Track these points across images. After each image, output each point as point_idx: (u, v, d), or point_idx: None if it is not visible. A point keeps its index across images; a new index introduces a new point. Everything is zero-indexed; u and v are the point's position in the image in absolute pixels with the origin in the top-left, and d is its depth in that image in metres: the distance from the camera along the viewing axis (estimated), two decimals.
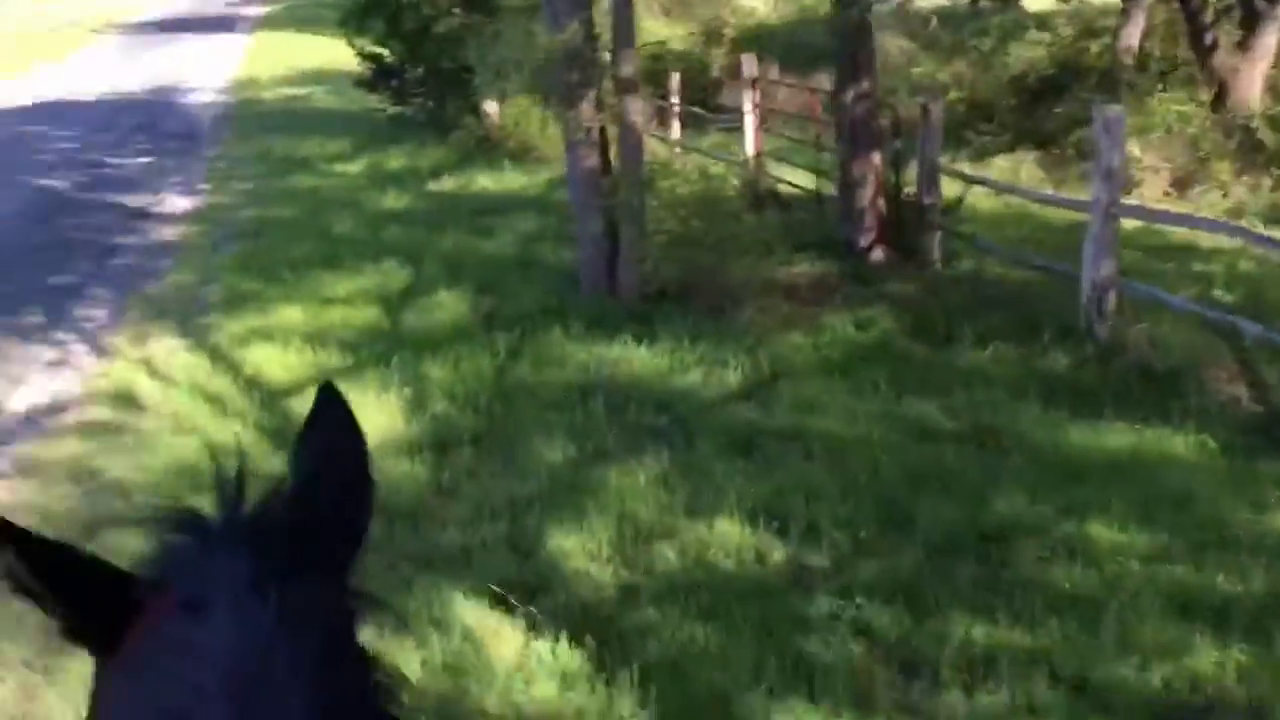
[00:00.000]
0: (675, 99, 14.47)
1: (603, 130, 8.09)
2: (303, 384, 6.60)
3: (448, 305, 8.06)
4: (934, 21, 17.34)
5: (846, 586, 4.32)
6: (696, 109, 14.88)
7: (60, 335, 8.10)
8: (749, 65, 12.70)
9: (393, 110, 17.44)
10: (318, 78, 25.06)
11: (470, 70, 15.68)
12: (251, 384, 6.64)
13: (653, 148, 10.46)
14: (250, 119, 19.16)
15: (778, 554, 4.65)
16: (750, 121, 12.57)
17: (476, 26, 14.75)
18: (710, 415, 6.18)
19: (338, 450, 0.82)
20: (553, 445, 5.78)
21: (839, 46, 9.25)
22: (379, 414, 6.06)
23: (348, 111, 19.83)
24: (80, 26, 43.60)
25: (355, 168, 14.38)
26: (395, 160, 14.67)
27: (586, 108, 7.92)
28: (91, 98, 22.85)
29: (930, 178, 8.88)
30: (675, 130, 14.57)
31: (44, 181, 14.23)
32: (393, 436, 5.87)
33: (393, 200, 12.23)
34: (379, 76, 17.41)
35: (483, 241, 10.15)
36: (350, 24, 15.74)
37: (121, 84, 24.73)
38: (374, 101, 19.27)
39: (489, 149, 15.33)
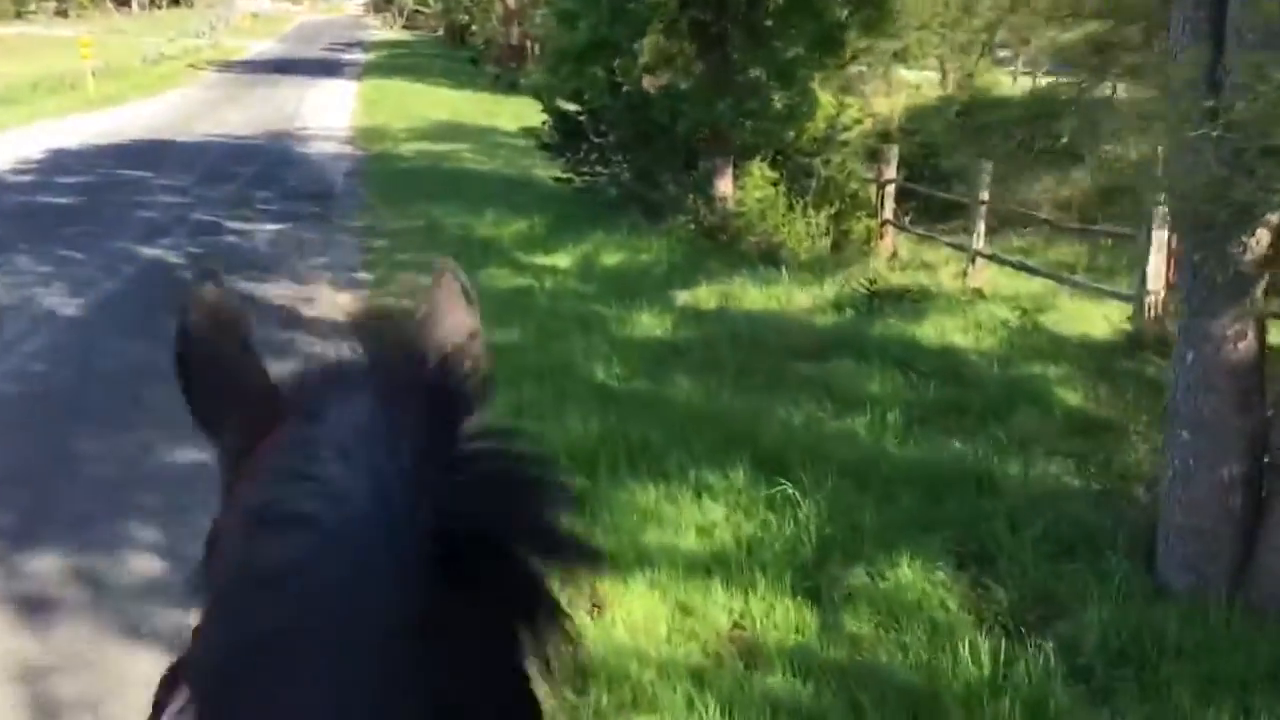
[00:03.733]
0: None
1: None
2: None
3: (932, 598, 4.13)
4: None
5: None
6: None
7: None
8: None
9: (582, 181, 13.78)
10: (455, 133, 21.69)
11: (698, 137, 12.10)
12: None
13: None
14: (394, 179, 15.61)
15: None
16: (1155, 244, 8.68)
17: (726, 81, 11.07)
18: None
19: (451, 315, 0.82)
20: None
21: None
22: None
23: (509, 177, 16.30)
24: (178, 61, 41.14)
25: (561, 261, 10.63)
26: (609, 253, 10.92)
27: (1262, 239, 4.02)
28: (197, 139, 19.57)
29: None
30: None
31: (147, 250, 10.65)
32: None
33: (650, 323, 8.42)
34: (568, 138, 13.78)
35: (847, 422, 6.25)
36: (560, 70, 12.09)
37: (230, 127, 21.49)
38: (542, 167, 15.80)
39: (724, 244, 11.60)
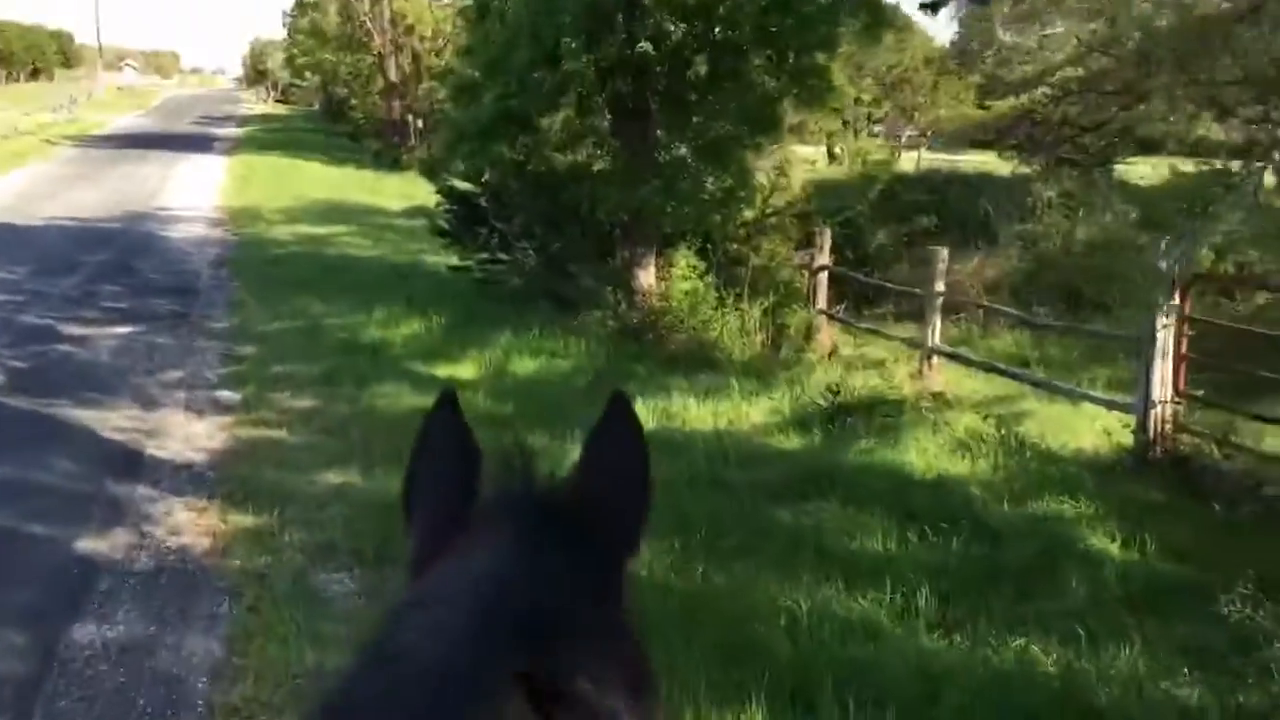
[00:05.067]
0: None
1: None
2: None
3: None
4: None
5: None
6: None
7: None
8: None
9: (482, 271, 12.27)
10: (335, 213, 20.01)
11: (617, 223, 10.73)
12: None
13: None
14: (267, 268, 13.85)
15: None
16: (1163, 341, 7.49)
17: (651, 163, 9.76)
18: None
19: (624, 455, 0.85)
20: None
21: None
22: None
23: (397, 265, 14.70)
24: (32, 137, 38.46)
25: (466, 370, 9.05)
26: (521, 360, 9.38)
27: None
28: (41, 223, 17.46)
29: None
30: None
31: None
32: None
33: None
34: (466, 223, 12.29)
35: (863, 603, 4.81)
36: (460, 147, 10.59)
37: (82, 208, 19.39)
38: (433, 252, 14.30)
39: (650, 344, 10.20)
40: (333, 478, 6.24)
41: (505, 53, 9.12)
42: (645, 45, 8.76)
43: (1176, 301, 7.43)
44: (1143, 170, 23.12)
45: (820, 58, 9.64)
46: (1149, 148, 22.75)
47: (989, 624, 4.70)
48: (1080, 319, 13.04)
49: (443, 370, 8.91)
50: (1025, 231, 17.25)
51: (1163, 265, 7.49)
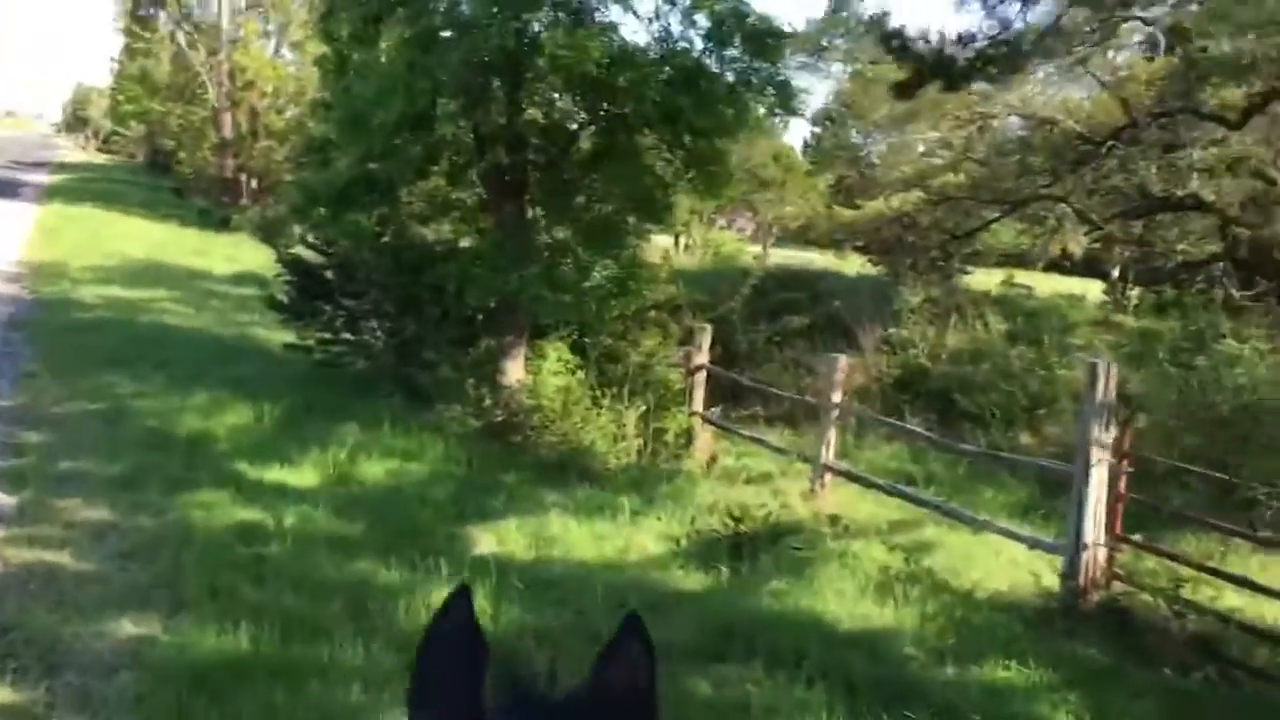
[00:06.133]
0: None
1: None
2: None
3: None
4: None
5: None
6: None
7: None
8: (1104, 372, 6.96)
9: (323, 353, 10.88)
10: (154, 275, 18.10)
11: (486, 308, 9.58)
12: None
13: None
14: (68, 335, 12.04)
15: None
16: (1097, 482, 6.76)
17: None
18: None
19: (633, 674, 0.87)
20: None
21: None
22: None
23: (224, 339, 13.10)
24: None
25: (306, 475, 7.64)
26: (370, 462, 8.05)
27: None
28: None
29: None
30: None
31: None
32: None
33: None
34: (308, 297, 10.91)
35: None
36: (310, 213, 9.27)
37: None
38: (265, 326, 12.84)
39: (515, 445, 9.07)
40: (128, 626, 4.81)
41: (369, 111, 7.93)
42: (534, 113, 7.73)
43: (1114, 434, 6.75)
44: (980, 280, 23.34)
45: (719, 143, 8.81)
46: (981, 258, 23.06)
47: None
48: (956, 430, 12.52)
49: (275, 474, 7.50)
50: (892, 336, 16.84)
51: (1098, 388, 6.81)
